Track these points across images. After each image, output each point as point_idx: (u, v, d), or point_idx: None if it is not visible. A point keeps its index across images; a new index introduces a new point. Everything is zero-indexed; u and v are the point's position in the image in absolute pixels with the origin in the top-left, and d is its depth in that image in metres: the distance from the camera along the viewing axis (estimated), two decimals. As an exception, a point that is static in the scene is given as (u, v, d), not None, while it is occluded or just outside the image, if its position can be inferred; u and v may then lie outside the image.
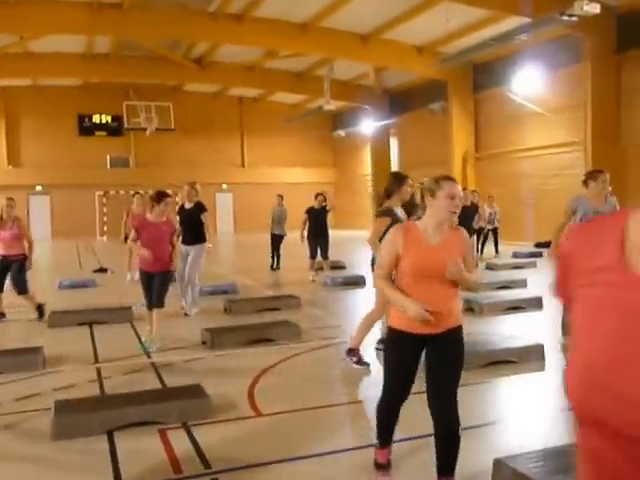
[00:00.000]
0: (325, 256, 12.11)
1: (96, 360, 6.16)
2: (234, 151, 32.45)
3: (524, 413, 4.61)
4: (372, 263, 5.80)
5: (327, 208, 12.43)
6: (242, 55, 23.12)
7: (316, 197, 12.45)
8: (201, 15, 18.81)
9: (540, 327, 7.56)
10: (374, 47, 21.01)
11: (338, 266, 13.71)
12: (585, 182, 6.14)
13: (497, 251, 16.65)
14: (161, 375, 5.50)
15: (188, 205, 8.74)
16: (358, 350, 5.78)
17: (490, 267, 13.60)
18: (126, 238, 12.38)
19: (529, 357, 5.75)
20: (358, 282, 11.49)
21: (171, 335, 6.98)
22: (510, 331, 6.91)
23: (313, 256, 12.12)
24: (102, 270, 14.17)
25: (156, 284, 6.43)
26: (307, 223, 12.26)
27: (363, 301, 10.00)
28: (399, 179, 5.83)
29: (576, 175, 19.07)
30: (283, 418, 4.49)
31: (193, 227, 8.54)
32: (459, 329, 3.19)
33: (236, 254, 22.09)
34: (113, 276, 13.52)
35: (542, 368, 5.64)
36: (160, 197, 6.64)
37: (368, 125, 28.72)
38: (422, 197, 3.24)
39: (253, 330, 6.89)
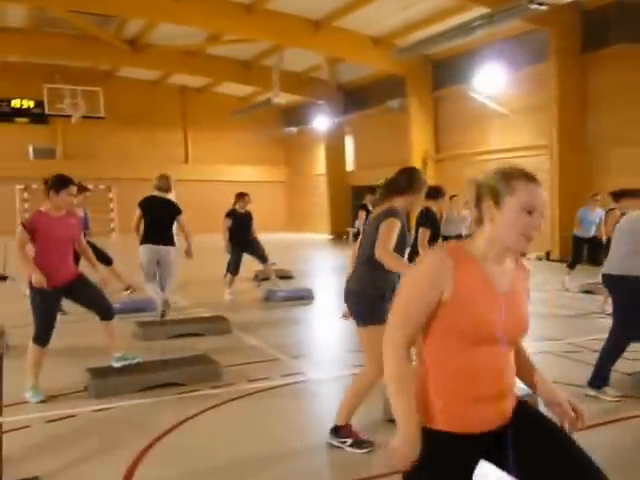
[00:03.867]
0: (265, 260, 10.74)
1: None
2: (176, 145, 31.21)
3: None
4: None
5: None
6: (181, 38, 21.91)
7: (239, 198, 10.57)
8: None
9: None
10: (327, 35, 20.13)
11: (285, 275, 12.61)
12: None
13: None
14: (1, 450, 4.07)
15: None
16: (349, 426, 4.10)
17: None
18: None
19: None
20: (305, 297, 10.39)
21: (43, 377, 5.53)
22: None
23: (236, 271, 10.57)
24: (1, 278, 12.88)
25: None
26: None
27: (311, 322, 8.90)
28: (419, 182, 4.26)
29: (540, 181, 18.55)
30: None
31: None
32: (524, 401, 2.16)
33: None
34: (14, 285, 12.29)
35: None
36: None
37: (322, 122, 27.91)
38: (477, 201, 2.03)
39: (154, 370, 5.50)
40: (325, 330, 8.39)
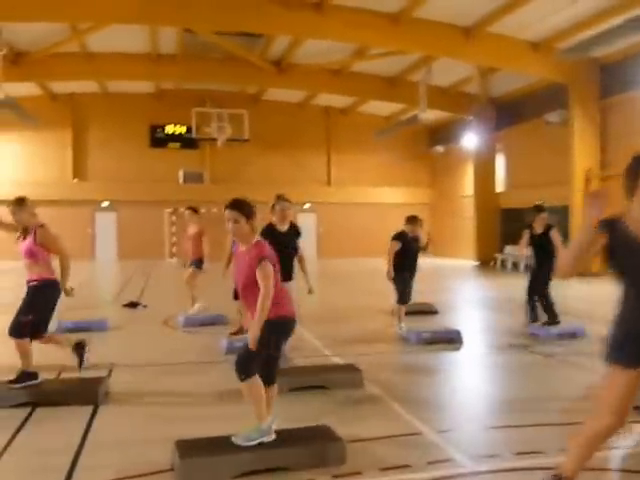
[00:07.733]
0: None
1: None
2: (319, 167, 30.34)
3: None
4: None
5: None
6: (325, 55, 20.90)
7: (408, 221, 9.27)
8: (272, 2, 16.69)
9: None
10: (479, 43, 18.19)
11: (427, 310, 10.81)
12: None
13: None
14: None
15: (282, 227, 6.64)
16: None
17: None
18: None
19: None
20: (453, 340, 8.43)
21: (127, 448, 4.37)
22: None
23: (405, 300, 9.14)
24: (132, 305, 12.06)
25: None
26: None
27: (460, 377, 6.92)
28: None
29: None
30: None
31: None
32: None
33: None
34: (143, 313, 11.43)
35: None
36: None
37: (471, 139, 25.84)
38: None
39: (258, 448, 3.96)
40: (479, 391, 6.29)
